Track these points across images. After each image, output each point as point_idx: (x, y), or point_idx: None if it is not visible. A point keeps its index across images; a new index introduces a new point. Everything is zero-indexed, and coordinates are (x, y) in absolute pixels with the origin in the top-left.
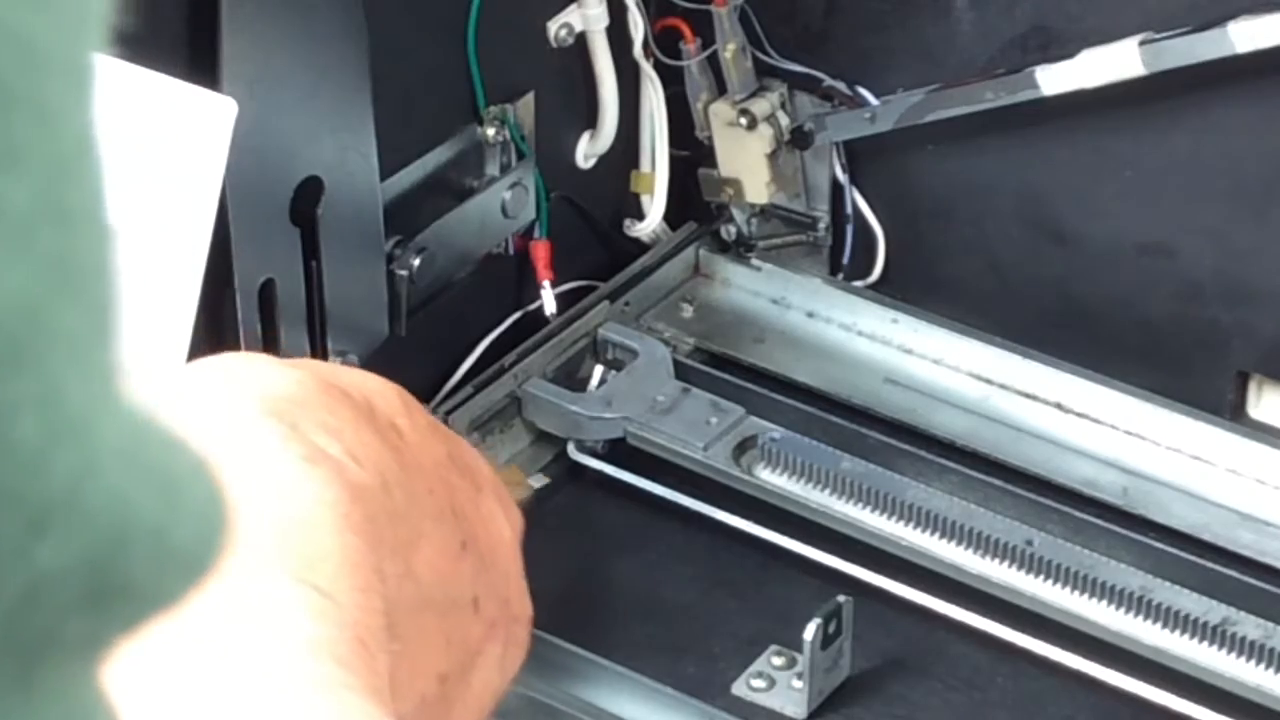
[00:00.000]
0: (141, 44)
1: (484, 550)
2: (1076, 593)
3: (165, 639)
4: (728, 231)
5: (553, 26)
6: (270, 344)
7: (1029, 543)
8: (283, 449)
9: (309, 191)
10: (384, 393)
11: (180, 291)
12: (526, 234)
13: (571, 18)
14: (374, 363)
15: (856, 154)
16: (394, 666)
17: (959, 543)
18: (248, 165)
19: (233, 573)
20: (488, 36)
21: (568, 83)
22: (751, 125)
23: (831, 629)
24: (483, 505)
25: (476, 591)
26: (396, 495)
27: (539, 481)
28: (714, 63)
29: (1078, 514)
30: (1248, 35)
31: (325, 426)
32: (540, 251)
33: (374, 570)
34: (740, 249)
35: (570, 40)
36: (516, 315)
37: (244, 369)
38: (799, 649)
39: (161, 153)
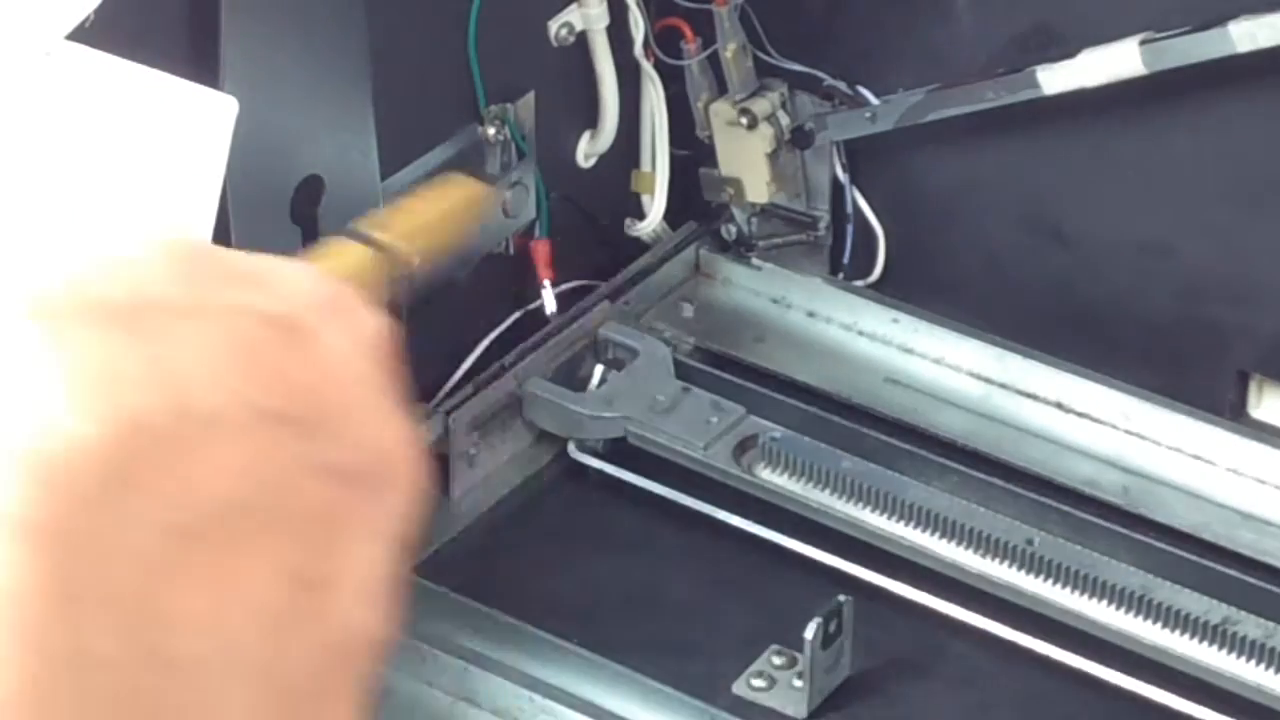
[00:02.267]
0: (141, 43)
1: (303, 401)
2: (1077, 592)
3: None
4: (728, 231)
5: (553, 26)
6: None
7: (1029, 542)
8: None
9: (309, 191)
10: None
11: None
12: (527, 233)
13: (572, 17)
14: None
15: (856, 154)
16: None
17: (959, 542)
18: (248, 164)
19: None
20: (488, 36)
21: (568, 82)
22: (752, 125)
23: (832, 629)
24: (292, 333)
25: (308, 461)
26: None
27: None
28: (714, 62)
29: (1078, 513)
30: (1248, 35)
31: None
32: (540, 251)
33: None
34: (740, 248)
35: (571, 40)
36: (516, 315)
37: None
38: (799, 649)
39: (161, 152)
